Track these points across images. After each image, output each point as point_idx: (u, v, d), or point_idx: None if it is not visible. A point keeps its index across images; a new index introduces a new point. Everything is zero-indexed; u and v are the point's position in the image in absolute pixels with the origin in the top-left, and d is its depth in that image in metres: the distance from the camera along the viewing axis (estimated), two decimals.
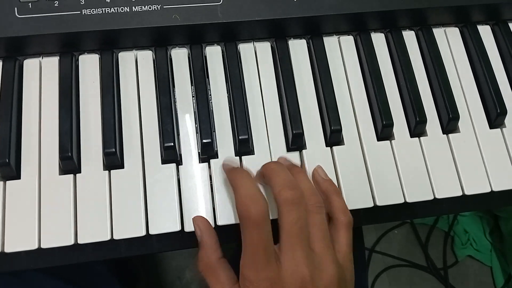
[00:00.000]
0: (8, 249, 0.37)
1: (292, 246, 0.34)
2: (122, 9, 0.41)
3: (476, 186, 0.42)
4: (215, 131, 0.41)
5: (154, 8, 0.41)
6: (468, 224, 1.24)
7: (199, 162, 0.41)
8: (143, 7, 0.41)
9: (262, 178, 0.39)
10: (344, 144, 0.42)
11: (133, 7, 0.41)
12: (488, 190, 0.42)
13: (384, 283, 1.19)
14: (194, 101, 0.42)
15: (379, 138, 0.43)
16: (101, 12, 0.41)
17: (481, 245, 1.22)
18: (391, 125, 0.42)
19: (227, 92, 0.43)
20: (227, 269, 0.37)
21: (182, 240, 0.40)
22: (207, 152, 0.40)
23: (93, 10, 0.41)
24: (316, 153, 0.42)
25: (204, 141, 0.40)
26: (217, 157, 0.41)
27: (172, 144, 0.39)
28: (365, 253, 1.21)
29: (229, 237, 0.39)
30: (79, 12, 0.41)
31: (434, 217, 1.22)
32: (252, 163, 0.41)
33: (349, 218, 0.38)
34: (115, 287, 0.61)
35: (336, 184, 0.41)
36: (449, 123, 0.43)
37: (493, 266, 1.21)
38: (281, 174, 0.36)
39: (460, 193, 0.42)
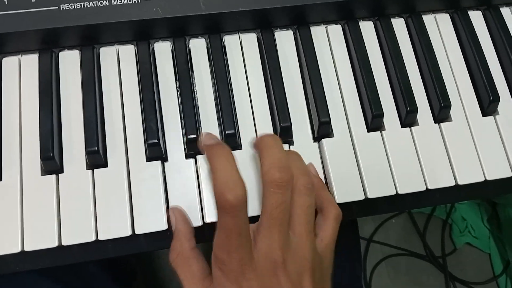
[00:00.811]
0: None
1: (269, 229, 0.33)
2: (101, 3, 0.40)
3: (469, 176, 0.41)
4: (200, 126, 0.40)
5: (134, 1, 0.40)
6: (466, 212, 1.24)
7: (185, 158, 0.40)
8: (123, 0, 0.40)
9: (256, 149, 0.37)
10: (333, 136, 0.41)
11: (113, 1, 0.40)
12: (482, 179, 0.41)
13: (382, 272, 1.19)
14: (178, 95, 0.41)
15: (369, 129, 0.42)
16: (80, 6, 0.40)
17: (479, 232, 1.22)
18: (381, 115, 0.41)
19: (213, 86, 0.42)
20: (200, 259, 0.36)
21: (170, 239, 0.39)
22: (193, 148, 0.39)
23: (71, 5, 0.40)
24: (305, 146, 0.41)
25: (189, 136, 0.39)
26: (203, 153, 0.40)
27: (156, 141, 0.38)
28: (363, 243, 1.20)
29: None
30: (57, 7, 0.39)
31: (434, 206, 1.22)
32: (240, 158, 0.39)
33: (338, 210, 0.37)
34: (110, 285, 0.60)
35: (326, 176, 0.40)
36: (441, 112, 0.42)
37: (492, 253, 1.21)
38: (274, 152, 0.34)
39: (453, 183, 0.41)
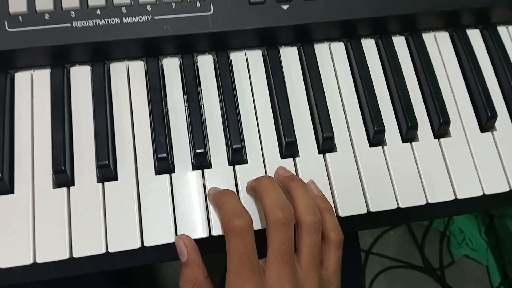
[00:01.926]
0: (3, 264, 0.37)
1: (278, 264, 0.34)
2: (112, 21, 0.41)
3: (468, 190, 0.42)
4: (208, 141, 0.42)
5: (145, 19, 0.41)
6: (464, 224, 1.24)
7: (193, 171, 0.41)
8: (133, 18, 0.41)
9: (253, 191, 0.39)
10: (336, 151, 0.42)
11: (124, 19, 0.41)
12: (480, 193, 0.43)
13: (381, 284, 1.19)
14: (186, 110, 0.42)
15: (371, 144, 0.43)
16: (91, 24, 0.41)
17: (477, 244, 1.23)
18: (383, 131, 0.42)
19: (220, 101, 0.43)
20: None
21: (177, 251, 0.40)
22: (201, 162, 0.41)
23: (83, 22, 0.41)
24: (309, 161, 0.42)
25: (197, 151, 0.40)
26: (211, 167, 0.41)
27: (165, 155, 0.39)
28: (362, 255, 1.21)
29: (223, 248, 0.39)
30: (70, 24, 0.41)
31: (434, 219, 1.23)
32: (246, 172, 0.41)
33: (340, 236, 0.38)
34: None
35: (330, 191, 0.41)
36: (440, 128, 0.43)
37: (489, 265, 1.22)
38: (273, 193, 0.37)
39: (452, 197, 0.42)
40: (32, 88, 0.42)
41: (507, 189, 0.43)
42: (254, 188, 0.38)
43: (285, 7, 0.43)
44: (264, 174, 0.41)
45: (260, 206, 0.38)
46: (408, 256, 1.22)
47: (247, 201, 0.40)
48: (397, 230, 1.25)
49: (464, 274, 1.22)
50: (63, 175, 0.38)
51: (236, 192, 0.40)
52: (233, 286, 0.34)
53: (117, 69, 0.43)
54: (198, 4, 0.42)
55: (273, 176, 0.41)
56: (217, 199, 0.38)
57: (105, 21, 0.41)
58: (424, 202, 0.42)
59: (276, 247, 0.35)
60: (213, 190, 0.40)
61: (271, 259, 0.35)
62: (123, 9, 0.41)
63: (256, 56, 0.45)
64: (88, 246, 0.37)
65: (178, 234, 0.39)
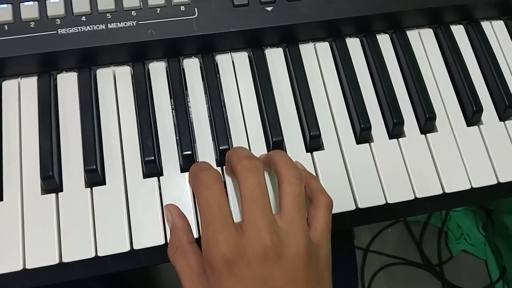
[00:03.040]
0: None
1: (252, 212, 0.33)
2: (98, 27, 0.41)
3: (456, 184, 0.43)
4: (195, 143, 0.42)
5: (130, 24, 0.42)
6: (461, 219, 1.25)
7: (181, 172, 0.41)
8: (118, 23, 0.42)
9: (228, 165, 0.38)
10: (324, 149, 0.43)
11: (109, 24, 0.41)
12: (468, 187, 0.43)
13: (380, 282, 1.19)
14: (173, 113, 0.43)
15: (358, 141, 0.43)
16: (77, 30, 0.41)
17: (474, 239, 1.23)
18: (369, 128, 0.42)
19: (207, 103, 0.43)
20: (199, 253, 0.35)
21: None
22: (189, 164, 0.41)
23: (69, 29, 0.41)
24: (296, 159, 0.42)
25: (185, 153, 0.40)
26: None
27: (153, 158, 0.39)
28: (361, 253, 1.21)
29: None
30: (55, 31, 0.41)
31: (424, 214, 1.23)
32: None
33: (328, 198, 0.37)
34: None
35: None
36: (426, 123, 0.43)
37: (488, 259, 1.22)
38: (239, 149, 0.37)
39: (440, 192, 0.42)
40: (19, 95, 0.42)
41: (494, 182, 0.43)
42: (227, 158, 0.37)
43: (269, 8, 0.43)
44: None
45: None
46: (406, 253, 1.23)
47: (235, 196, 0.39)
48: (395, 227, 1.25)
49: (463, 269, 1.22)
50: (51, 181, 0.38)
51: (225, 193, 0.40)
52: (206, 238, 0.32)
53: (104, 75, 0.43)
54: (182, 8, 0.42)
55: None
56: (190, 169, 0.37)
57: (90, 28, 0.41)
58: (412, 197, 0.42)
59: (247, 195, 0.33)
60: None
61: (244, 210, 0.33)
62: (108, 15, 0.41)
63: (242, 58, 0.45)
64: (78, 251, 0.38)
65: (167, 236, 0.39)
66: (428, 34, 0.48)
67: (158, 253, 0.40)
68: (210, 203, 0.33)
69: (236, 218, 0.38)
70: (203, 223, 0.33)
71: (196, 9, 0.42)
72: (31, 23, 0.41)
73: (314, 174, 0.42)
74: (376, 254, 1.21)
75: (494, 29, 0.49)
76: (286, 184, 0.34)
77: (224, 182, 0.40)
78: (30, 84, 0.42)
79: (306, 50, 0.46)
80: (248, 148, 0.42)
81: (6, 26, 0.41)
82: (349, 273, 0.62)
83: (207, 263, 0.33)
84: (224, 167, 0.41)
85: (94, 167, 0.39)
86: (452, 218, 1.25)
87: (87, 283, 0.56)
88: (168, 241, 0.39)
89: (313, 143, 0.42)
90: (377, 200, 0.41)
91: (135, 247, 0.38)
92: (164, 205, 0.39)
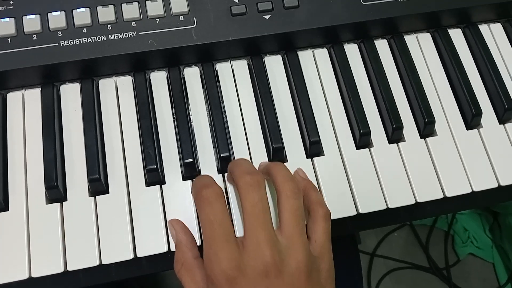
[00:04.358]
0: None
1: (253, 228, 0.33)
2: (99, 38, 0.42)
3: (456, 188, 0.43)
4: (197, 150, 0.42)
5: (130, 35, 0.42)
6: (467, 222, 1.24)
7: (183, 180, 0.41)
8: (119, 34, 0.42)
9: (229, 175, 0.39)
10: (324, 155, 0.43)
11: (110, 36, 0.42)
12: (469, 190, 0.43)
13: (387, 286, 1.19)
14: (174, 122, 0.43)
15: (358, 147, 0.43)
16: (79, 42, 0.42)
17: (481, 242, 1.22)
18: (368, 133, 0.43)
19: (207, 112, 0.44)
20: (203, 268, 0.36)
21: (171, 260, 0.41)
22: (190, 172, 0.41)
23: (71, 41, 0.42)
24: (297, 166, 0.42)
25: (186, 161, 0.41)
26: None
27: (155, 166, 0.40)
28: (367, 257, 1.21)
29: None
30: (57, 44, 0.42)
31: (426, 218, 1.22)
32: None
33: (326, 209, 0.37)
34: None
35: None
36: (426, 127, 0.44)
37: (495, 262, 1.21)
38: (241, 163, 0.37)
39: (441, 196, 0.42)
40: (23, 107, 0.43)
41: (495, 185, 0.43)
42: (229, 170, 0.38)
43: (266, 16, 0.44)
44: None
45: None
46: (413, 257, 1.22)
47: (236, 205, 0.40)
48: (401, 231, 1.25)
49: (471, 272, 1.22)
50: (55, 191, 0.39)
51: (226, 210, 0.40)
52: (208, 255, 0.33)
53: (106, 85, 0.44)
54: (181, 18, 0.43)
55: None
56: (193, 182, 0.38)
57: (91, 39, 0.42)
58: (413, 202, 0.42)
59: (248, 210, 0.33)
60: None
61: (246, 225, 0.33)
62: (109, 27, 0.42)
63: (241, 66, 0.46)
64: (82, 259, 0.38)
65: (170, 244, 0.39)
66: (426, 38, 0.49)
67: (162, 260, 0.41)
68: (211, 221, 0.33)
69: (238, 224, 0.39)
70: (205, 240, 0.34)
71: (195, 18, 0.43)
72: (33, 36, 0.42)
73: (315, 180, 0.42)
74: (382, 259, 1.21)
75: (492, 32, 0.49)
76: (284, 198, 0.35)
77: (226, 190, 0.41)
78: (34, 96, 0.43)
79: (305, 57, 0.47)
80: (249, 158, 0.42)
81: (9, 39, 0.42)
82: (354, 277, 0.62)
83: (209, 280, 0.33)
84: (225, 174, 0.42)
85: (97, 176, 0.39)
86: (459, 221, 1.24)
87: None
88: (171, 249, 0.39)
89: (313, 149, 0.43)
90: (378, 205, 0.42)
91: (139, 254, 0.39)
92: (167, 220, 0.39)
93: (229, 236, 0.33)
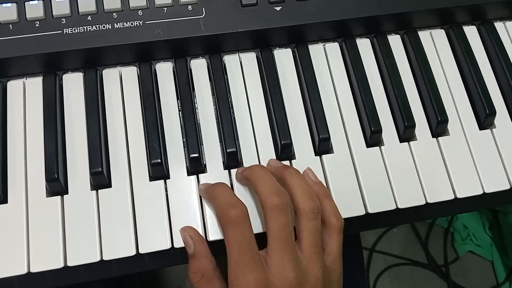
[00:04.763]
0: None
1: (280, 251, 0.34)
2: (104, 27, 0.41)
3: (468, 189, 0.42)
4: (202, 145, 0.41)
5: (136, 24, 0.41)
6: (467, 220, 1.24)
7: (187, 176, 0.40)
8: (125, 23, 0.41)
9: (245, 181, 0.39)
10: (333, 152, 0.42)
11: (115, 24, 0.41)
12: (480, 192, 0.42)
13: (385, 282, 1.19)
14: (180, 115, 0.42)
15: (368, 145, 0.42)
16: (83, 30, 0.41)
17: (481, 240, 1.22)
18: (380, 131, 0.41)
19: (214, 105, 0.43)
20: (222, 280, 0.37)
21: (174, 257, 0.40)
22: (195, 167, 0.40)
23: (74, 29, 0.41)
24: (305, 163, 0.41)
25: (192, 155, 0.39)
26: (206, 171, 0.40)
27: (159, 160, 0.39)
28: (366, 253, 1.20)
29: (220, 252, 0.39)
30: (61, 31, 0.40)
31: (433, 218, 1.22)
32: None
33: (341, 222, 0.38)
34: None
35: None
36: (438, 127, 0.43)
37: (494, 260, 1.21)
38: (267, 180, 0.36)
39: (452, 197, 0.41)
40: (24, 96, 0.42)
41: (507, 187, 0.42)
42: (247, 178, 0.38)
43: (278, 8, 0.43)
44: None
45: (256, 202, 0.39)
46: (412, 253, 1.22)
47: (242, 197, 0.39)
48: (401, 227, 1.24)
49: (469, 270, 1.21)
50: (56, 184, 0.38)
51: (252, 231, 0.39)
52: (235, 277, 0.33)
53: (110, 75, 0.43)
54: (189, 7, 0.42)
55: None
56: (210, 191, 0.37)
57: (96, 27, 0.41)
58: (423, 202, 0.41)
59: (276, 233, 0.34)
60: (205, 185, 0.39)
61: (272, 246, 0.34)
62: (114, 15, 0.41)
63: (250, 59, 0.45)
64: (83, 254, 0.37)
65: (173, 240, 0.38)
66: (440, 34, 0.47)
67: (164, 257, 0.40)
68: (240, 243, 0.34)
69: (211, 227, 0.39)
70: (232, 262, 0.34)
71: (203, 8, 0.42)
72: (36, 22, 0.40)
73: (324, 178, 0.41)
74: (381, 254, 1.21)
75: (507, 29, 0.48)
76: (305, 219, 0.36)
77: (232, 185, 0.40)
78: (35, 85, 0.42)
79: (316, 50, 0.45)
80: (256, 154, 0.41)
81: (11, 26, 0.40)
82: (355, 274, 0.62)
83: None
84: (231, 170, 0.41)
85: (100, 169, 0.38)
86: (459, 218, 1.24)
87: (91, 284, 0.55)
88: (174, 246, 0.38)
89: (323, 146, 0.41)
90: (387, 205, 0.41)
91: (141, 251, 0.38)
92: (181, 229, 0.38)
93: (256, 257, 0.34)
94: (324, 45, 0.46)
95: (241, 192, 0.40)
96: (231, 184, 0.40)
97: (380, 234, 1.22)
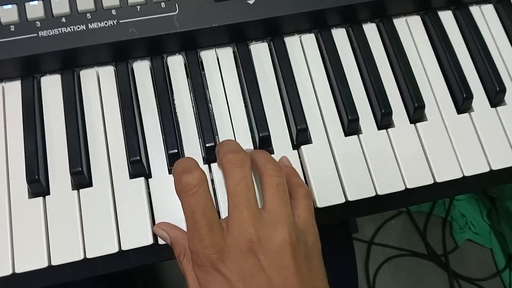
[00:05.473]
0: None
1: (237, 206, 0.33)
2: (78, 28, 0.41)
3: (447, 173, 0.42)
4: (182, 141, 0.41)
5: (110, 24, 0.41)
6: (465, 208, 1.24)
7: (169, 174, 0.41)
8: (99, 23, 0.41)
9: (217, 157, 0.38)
10: (312, 143, 0.42)
11: (89, 24, 0.41)
12: (460, 175, 0.42)
13: (386, 274, 1.19)
14: (159, 112, 0.42)
15: (346, 134, 0.43)
16: (57, 32, 0.41)
17: (479, 227, 1.22)
18: (356, 119, 0.42)
19: (192, 101, 0.43)
20: None
21: (159, 253, 0.40)
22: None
23: (49, 31, 0.41)
24: (284, 153, 0.41)
25: (170, 152, 0.40)
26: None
27: (138, 158, 0.39)
28: (365, 245, 1.20)
29: None
30: (36, 34, 0.41)
31: (425, 204, 1.22)
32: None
33: (307, 190, 0.38)
34: None
35: (307, 182, 0.41)
36: (415, 112, 0.43)
37: (493, 247, 1.21)
38: (228, 144, 0.36)
39: (431, 181, 0.42)
40: (3, 100, 0.42)
41: (487, 169, 0.43)
42: (216, 151, 0.38)
43: (251, 1, 0.43)
44: None
45: None
46: (411, 244, 1.22)
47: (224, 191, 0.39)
48: (398, 218, 1.24)
49: (469, 258, 1.21)
50: (37, 185, 0.38)
51: (213, 192, 0.40)
52: (192, 245, 0.33)
53: (87, 76, 0.43)
54: (163, 5, 0.42)
55: None
56: (174, 166, 0.36)
57: (70, 28, 0.41)
58: (403, 188, 0.41)
59: (232, 188, 0.33)
60: None
61: (230, 204, 0.33)
62: (88, 15, 0.41)
63: (226, 54, 0.45)
64: (67, 253, 0.37)
65: (157, 237, 0.38)
66: (415, 21, 0.48)
67: (149, 253, 0.40)
68: (194, 210, 0.33)
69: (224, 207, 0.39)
70: (188, 229, 0.33)
71: (176, 5, 0.42)
72: (11, 26, 0.41)
73: (302, 169, 0.41)
74: (380, 246, 1.21)
75: (483, 13, 0.48)
76: (266, 177, 0.35)
77: (212, 180, 0.40)
78: (14, 88, 0.42)
79: (292, 42, 0.46)
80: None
81: None
82: (347, 265, 0.62)
83: (197, 268, 0.33)
84: (211, 164, 0.41)
85: (80, 169, 0.38)
86: (456, 207, 1.24)
87: (82, 283, 0.56)
88: (158, 242, 0.38)
89: (301, 136, 0.42)
90: (367, 192, 0.41)
91: (124, 248, 0.38)
92: (153, 227, 0.38)
93: (213, 222, 0.33)
94: (300, 36, 0.46)
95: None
96: (212, 180, 0.41)
97: (378, 227, 1.22)
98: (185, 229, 0.37)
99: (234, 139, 0.42)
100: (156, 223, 0.39)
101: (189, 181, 0.33)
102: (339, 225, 0.61)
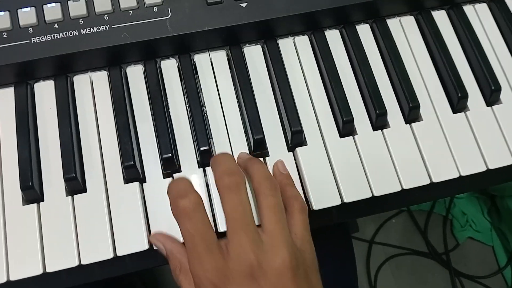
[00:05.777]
0: None
1: (236, 232, 0.33)
2: (71, 33, 0.41)
3: (444, 173, 0.42)
4: (176, 145, 0.41)
5: (103, 29, 0.41)
6: (466, 206, 1.23)
7: (163, 178, 0.40)
8: (91, 29, 0.41)
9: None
10: (307, 145, 0.42)
11: (82, 30, 0.41)
12: (456, 175, 0.42)
13: (387, 273, 1.18)
14: (152, 116, 0.42)
15: (341, 135, 0.42)
16: (50, 38, 0.41)
17: (480, 225, 1.22)
18: (351, 121, 0.42)
19: (186, 105, 0.43)
20: None
21: (155, 257, 0.40)
22: (170, 167, 0.40)
23: (42, 38, 0.41)
24: (279, 156, 0.41)
25: (164, 156, 0.40)
26: (181, 171, 0.41)
27: (132, 163, 0.39)
28: (365, 245, 1.20)
29: None
30: (29, 40, 0.41)
31: (425, 203, 1.22)
32: None
33: (302, 202, 0.37)
34: None
35: (303, 184, 0.41)
36: (410, 113, 0.43)
37: (495, 245, 1.21)
38: (223, 163, 0.36)
39: (428, 181, 0.42)
40: None
41: (484, 168, 0.42)
42: (211, 167, 0.37)
43: (243, 4, 0.43)
44: None
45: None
46: (412, 242, 1.21)
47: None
48: (399, 217, 1.24)
49: (470, 256, 1.21)
50: (31, 192, 0.38)
51: (208, 196, 0.40)
52: (193, 269, 0.33)
53: (81, 81, 0.43)
54: (155, 9, 0.42)
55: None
56: (168, 188, 0.36)
57: (63, 34, 0.41)
58: (399, 189, 0.41)
59: (230, 214, 0.33)
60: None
61: (228, 229, 0.33)
62: (81, 21, 0.41)
63: (220, 57, 0.45)
64: (61, 260, 0.37)
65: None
66: (409, 21, 0.47)
67: (145, 258, 0.40)
68: (192, 235, 0.33)
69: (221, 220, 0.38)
70: (188, 252, 0.33)
71: (169, 9, 0.42)
72: (3, 33, 0.40)
73: (297, 171, 0.41)
74: (381, 246, 1.21)
75: (477, 12, 0.48)
76: (262, 197, 0.35)
77: (207, 184, 0.40)
78: (7, 95, 0.42)
79: (285, 45, 0.45)
80: (230, 151, 0.42)
81: None
82: (346, 265, 0.61)
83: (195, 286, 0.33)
84: (206, 168, 0.41)
85: (74, 175, 0.38)
86: (457, 205, 1.23)
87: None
88: (153, 247, 0.38)
89: (295, 139, 0.42)
90: (363, 194, 0.41)
91: (119, 253, 0.38)
92: (149, 237, 0.38)
93: (212, 245, 0.33)
94: (293, 38, 0.46)
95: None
96: (206, 183, 0.40)
97: (379, 226, 1.22)
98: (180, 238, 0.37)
99: (228, 141, 0.42)
100: (151, 227, 0.39)
101: (185, 205, 0.33)
102: (337, 226, 0.61)
